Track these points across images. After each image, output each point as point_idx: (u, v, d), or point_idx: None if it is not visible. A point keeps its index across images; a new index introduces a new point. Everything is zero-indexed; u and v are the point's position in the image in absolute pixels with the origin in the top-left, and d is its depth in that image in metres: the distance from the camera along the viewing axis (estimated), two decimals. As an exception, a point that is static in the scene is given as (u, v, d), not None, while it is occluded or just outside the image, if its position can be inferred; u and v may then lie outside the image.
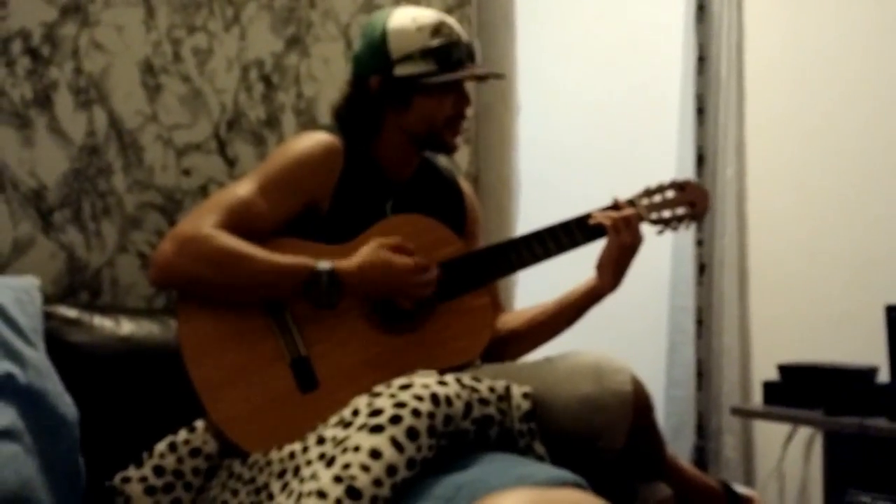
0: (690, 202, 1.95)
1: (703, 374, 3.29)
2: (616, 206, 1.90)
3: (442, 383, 1.53)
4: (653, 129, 3.47)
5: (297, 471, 1.49)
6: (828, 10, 3.06)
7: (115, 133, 2.12)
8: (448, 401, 1.50)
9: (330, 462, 1.42)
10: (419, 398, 1.48)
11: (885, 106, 2.89)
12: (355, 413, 1.49)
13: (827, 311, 2.99)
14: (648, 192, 1.94)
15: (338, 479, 1.38)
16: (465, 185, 2.06)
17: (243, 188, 1.76)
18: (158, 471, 1.70)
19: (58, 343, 1.81)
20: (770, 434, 3.06)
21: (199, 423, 1.74)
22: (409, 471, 1.42)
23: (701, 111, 3.34)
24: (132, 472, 1.72)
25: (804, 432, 2.93)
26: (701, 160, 3.33)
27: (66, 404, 1.70)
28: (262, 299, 1.71)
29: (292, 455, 1.53)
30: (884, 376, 2.54)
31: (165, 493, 1.69)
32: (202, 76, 2.22)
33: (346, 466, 1.39)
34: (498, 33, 2.60)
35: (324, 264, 1.70)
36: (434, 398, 1.49)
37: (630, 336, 3.25)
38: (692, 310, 3.29)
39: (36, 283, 1.84)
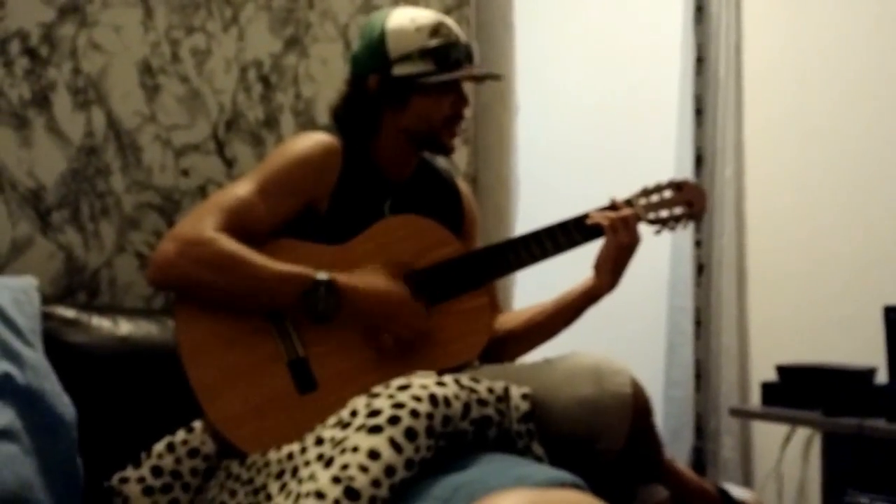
0: (688, 202, 1.95)
1: (702, 375, 3.29)
2: (614, 206, 1.90)
3: (440, 384, 1.53)
4: (651, 130, 3.47)
5: (295, 471, 1.49)
6: (826, 10, 3.07)
7: (114, 133, 2.12)
8: (446, 401, 1.50)
9: (328, 463, 1.41)
10: (417, 399, 1.48)
11: (883, 106, 2.89)
12: (353, 414, 1.49)
13: (825, 311, 2.99)
14: (646, 192, 1.94)
15: (336, 480, 1.37)
16: (464, 186, 2.07)
17: (242, 189, 1.76)
18: (156, 471, 1.70)
19: (56, 343, 1.81)
20: (768, 435, 3.06)
21: (198, 424, 1.74)
22: (408, 471, 1.42)
23: (699, 112, 3.34)
24: (130, 472, 1.71)
25: (803, 433, 2.93)
26: (699, 160, 3.33)
27: (64, 404, 1.70)
28: (259, 307, 1.71)
29: (290, 456, 1.53)
30: (882, 377, 2.54)
31: (163, 493, 1.69)
32: (200, 77, 2.22)
33: (345, 467, 1.39)
34: (496, 34, 2.60)
35: (322, 275, 1.69)
36: (432, 399, 1.49)
37: (628, 336, 3.25)
38: (691, 310, 3.29)
39: (34, 284, 1.84)
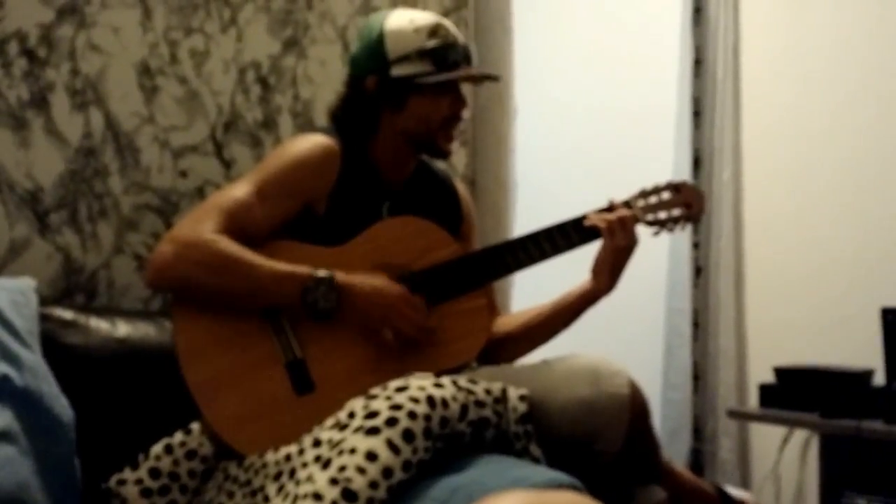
0: (686, 203, 1.95)
1: (700, 377, 3.30)
2: (611, 208, 1.90)
3: (438, 385, 1.53)
4: (649, 132, 3.48)
5: (292, 473, 1.49)
6: (824, 12, 3.07)
7: (112, 135, 2.12)
8: (444, 403, 1.50)
9: (326, 464, 1.41)
10: (415, 400, 1.48)
11: (882, 108, 2.90)
12: (351, 415, 1.49)
13: (823, 313, 2.99)
14: (644, 194, 1.94)
15: (333, 482, 1.37)
16: (462, 188, 2.07)
17: (240, 190, 1.76)
18: (154, 473, 1.70)
19: (54, 345, 1.81)
20: (766, 436, 3.06)
21: (195, 426, 1.74)
22: (405, 473, 1.41)
23: (697, 114, 3.35)
24: (128, 474, 1.71)
25: (800, 435, 2.93)
26: (697, 163, 3.33)
27: (62, 406, 1.69)
28: (259, 308, 1.71)
29: (288, 457, 1.53)
30: (880, 379, 2.54)
31: (161, 495, 1.69)
32: (199, 78, 2.22)
33: (342, 469, 1.39)
34: (494, 36, 2.60)
35: (322, 272, 1.70)
36: (430, 400, 1.49)
37: (626, 338, 3.25)
38: (688, 312, 3.29)
39: (32, 285, 1.84)
